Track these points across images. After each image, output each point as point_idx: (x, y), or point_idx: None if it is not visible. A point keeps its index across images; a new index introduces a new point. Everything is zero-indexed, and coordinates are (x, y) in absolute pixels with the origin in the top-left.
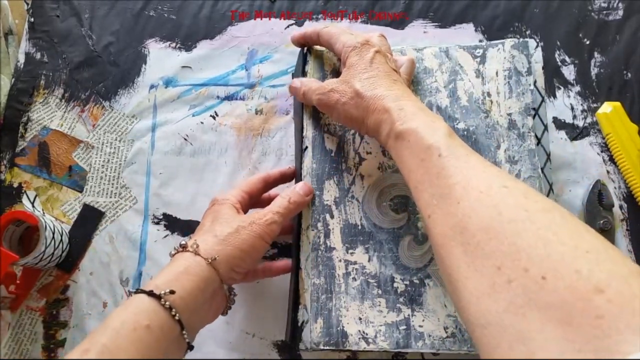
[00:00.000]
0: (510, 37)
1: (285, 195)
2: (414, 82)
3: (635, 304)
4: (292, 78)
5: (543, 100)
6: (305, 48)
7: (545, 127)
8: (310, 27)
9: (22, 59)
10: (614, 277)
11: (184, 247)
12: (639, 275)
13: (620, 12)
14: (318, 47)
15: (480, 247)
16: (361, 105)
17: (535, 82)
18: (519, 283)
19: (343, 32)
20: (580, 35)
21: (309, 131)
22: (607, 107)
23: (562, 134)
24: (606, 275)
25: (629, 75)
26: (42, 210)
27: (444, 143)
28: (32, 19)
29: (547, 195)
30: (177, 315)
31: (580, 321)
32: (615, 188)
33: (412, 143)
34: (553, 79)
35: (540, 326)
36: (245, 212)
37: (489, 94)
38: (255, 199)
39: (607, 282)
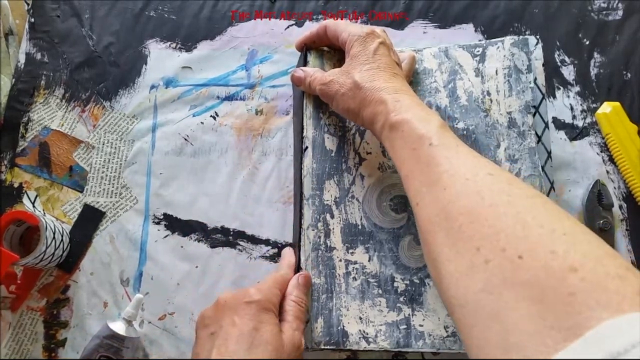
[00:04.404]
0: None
1: (298, 300)
2: (414, 83)
3: (608, 282)
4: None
5: (543, 98)
6: (306, 48)
7: (546, 125)
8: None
9: (22, 59)
10: (589, 258)
11: None
12: (614, 256)
13: (620, 12)
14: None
15: (461, 230)
16: (358, 96)
17: (535, 79)
18: (496, 263)
19: (350, 23)
20: (580, 35)
21: (309, 131)
22: (607, 107)
23: (562, 134)
24: (581, 256)
25: (629, 75)
26: (43, 210)
27: (436, 133)
28: (33, 19)
29: (548, 194)
30: None
31: (554, 299)
32: (614, 188)
33: (405, 133)
34: (553, 79)
35: (515, 304)
36: None
37: (488, 93)
38: None
39: (582, 261)
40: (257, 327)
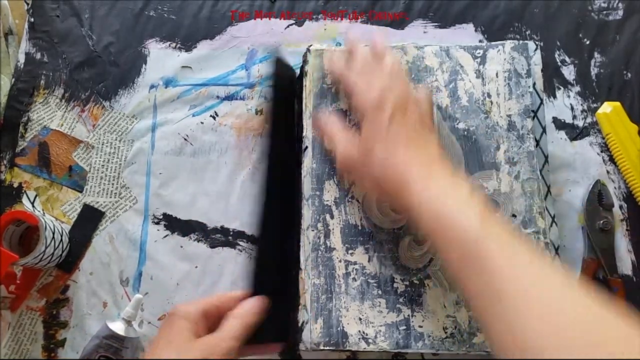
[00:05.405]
0: (510, 37)
1: (238, 316)
2: (415, 81)
3: None
4: (295, 78)
5: (542, 103)
6: (306, 48)
7: (544, 130)
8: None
9: (22, 59)
10: None
11: None
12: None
13: (620, 12)
14: (317, 47)
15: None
16: (379, 175)
17: (534, 84)
18: None
19: (358, 79)
20: (580, 35)
21: (309, 131)
22: (607, 107)
23: (562, 134)
24: None
25: (629, 75)
26: (42, 210)
27: (477, 226)
28: (32, 19)
29: (545, 197)
30: None
31: None
32: (615, 188)
33: (443, 225)
34: (553, 79)
35: None
36: (207, 328)
37: (489, 95)
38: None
39: None
40: (170, 333)
